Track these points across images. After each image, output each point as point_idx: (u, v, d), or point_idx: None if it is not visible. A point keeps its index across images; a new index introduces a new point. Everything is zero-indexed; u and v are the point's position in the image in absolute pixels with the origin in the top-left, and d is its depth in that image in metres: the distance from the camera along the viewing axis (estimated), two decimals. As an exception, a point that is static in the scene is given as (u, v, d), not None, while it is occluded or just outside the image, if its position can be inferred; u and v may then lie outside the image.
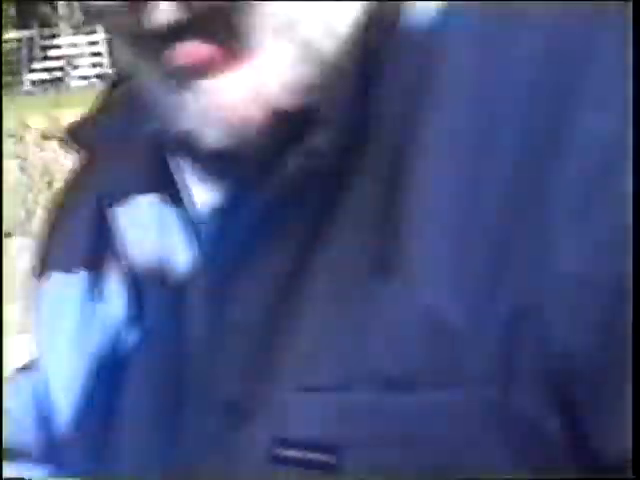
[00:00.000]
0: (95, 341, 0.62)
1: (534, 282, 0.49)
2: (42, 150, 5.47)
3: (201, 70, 0.53)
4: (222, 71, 0.54)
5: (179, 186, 0.60)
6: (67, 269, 0.65)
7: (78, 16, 14.83)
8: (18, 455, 0.65)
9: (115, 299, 0.62)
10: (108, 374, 0.61)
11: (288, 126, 0.54)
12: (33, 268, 0.68)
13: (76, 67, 15.23)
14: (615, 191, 0.49)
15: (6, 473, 0.55)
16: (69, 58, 15.35)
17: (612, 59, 0.51)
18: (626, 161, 0.49)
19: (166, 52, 0.54)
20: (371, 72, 0.54)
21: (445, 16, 0.55)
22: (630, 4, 0.52)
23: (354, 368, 0.52)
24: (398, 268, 0.51)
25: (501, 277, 0.50)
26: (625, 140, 0.49)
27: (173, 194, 0.60)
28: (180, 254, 0.59)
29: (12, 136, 5.56)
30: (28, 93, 14.04)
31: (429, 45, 0.54)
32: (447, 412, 0.50)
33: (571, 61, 0.51)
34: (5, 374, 0.54)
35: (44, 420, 0.66)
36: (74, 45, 15.52)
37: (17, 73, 15.05)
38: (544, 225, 0.50)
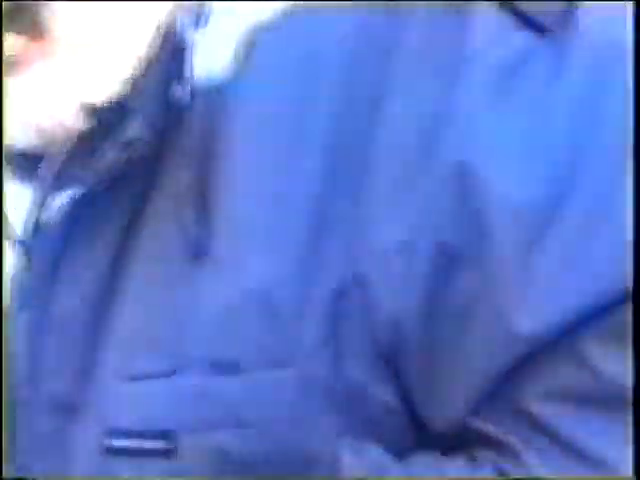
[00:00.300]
0: None
1: (357, 255, 0.50)
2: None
3: (6, 67, 0.52)
4: (27, 68, 0.53)
5: None
6: None
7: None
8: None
9: None
10: None
11: (99, 120, 0.54)
12: None
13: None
14: (433, 164, 0.49)
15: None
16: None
17: (418, 43, 0.51)
18: (440, 131, 0.50)
19: None
20: (177, 61, 0.54)
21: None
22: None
23: (180, 353, 0.52)
24: (218, 251, 0.52)
25: (323, 253, 0.51)
26: (440, 111, 0.50)
27: None
28: None
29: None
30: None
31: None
32: (279, 391, 0.51)
33: (379, 47, 0.52)
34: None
35: None
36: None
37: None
38: (363, 198, 0.50)
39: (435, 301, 0.50)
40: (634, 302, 0.48)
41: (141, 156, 0.53)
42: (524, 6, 0.51)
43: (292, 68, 0.53)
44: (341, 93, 0.52)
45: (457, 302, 0.49)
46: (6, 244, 0.56)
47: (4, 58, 0.52)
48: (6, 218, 0.55)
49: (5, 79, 0.52)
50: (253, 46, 0.53)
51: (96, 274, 0.54)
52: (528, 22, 0.50)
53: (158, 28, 0.54)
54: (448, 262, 0.49)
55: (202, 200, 0.52)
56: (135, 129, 0.53)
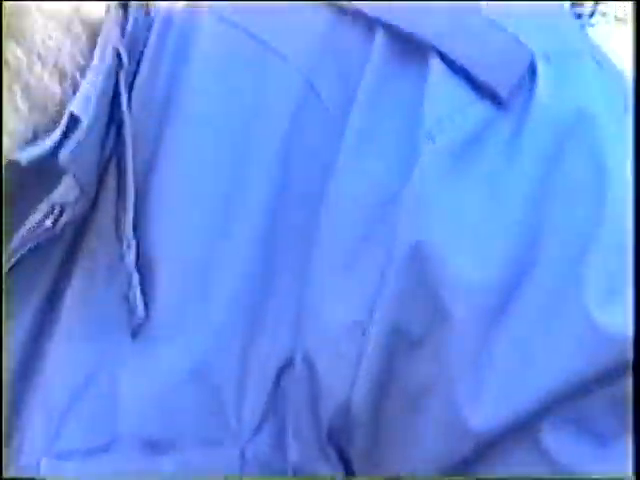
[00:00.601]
0: None
1: (304, 333, 0.48)
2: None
3: None
4: None
5: None
6: None
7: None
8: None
9: None
10: None
11: (26, 181, 0.50)
12: None
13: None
14: (386, 243, 0.47)
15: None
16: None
17: (370, 108, 0.49)
18: (393, 208, 0.47)
19: None
20: (107, 111, 0.51)
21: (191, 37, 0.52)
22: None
23: (110, 430, 0.49)
24: (155, 320, 0.50)
25: (265, 328, 0.49)
26: (393, 187, 0.48)
27: None
28: None
29: None
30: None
31: (174, 72, 0.52)
32: (215, 470, 0.49)
33: (332, 103, 0.49)
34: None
35: None
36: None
37: None
38: (310, 274, 0.48)
39: (387, 386, 0.48)
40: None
41: (72, 219, 0.50)
42: (481, 75, 0.49)
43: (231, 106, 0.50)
44: (284, 154, 0.49)
45: (410, 388, 0.48)
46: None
47: None
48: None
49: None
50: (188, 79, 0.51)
51: (23, 342, 0.52)
52: (485, 91, 0.49)
53: (84, 74, 0.50)
54: (402, 346, 0.47)
55: (139, 263, 0.50)
56: (67, 191, 0.49)
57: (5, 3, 0.49)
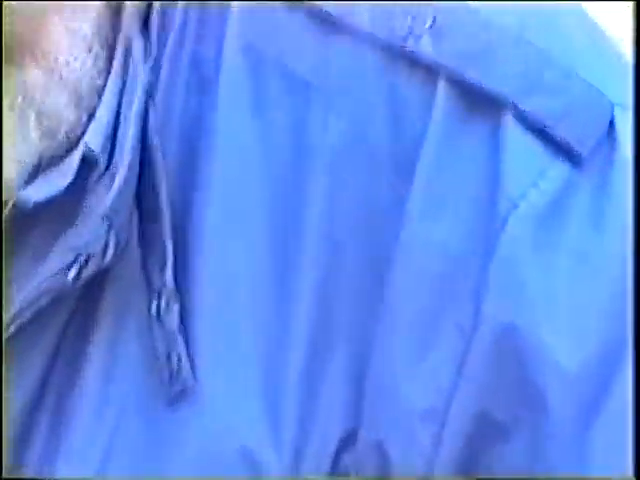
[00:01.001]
0: None
1: (371, 415, 0.45)
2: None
3: None
4: None
5: None
6: None
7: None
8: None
9: None
10: None
11: (37, 218, 0.46)
12: None
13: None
14: (467, 320, 0.44)
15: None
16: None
17: (445, 157, 0.45)
18: (469, 281, 0.44)
19: None
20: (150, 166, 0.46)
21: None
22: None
23: None
24: (199, 385, 0.46)
25: (320, 406, 0.45)
26: (467, 256, 0.44)
27: None
28: None
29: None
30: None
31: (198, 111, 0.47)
32: None
33: (384, 154, 0.45)
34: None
35: None
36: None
37: None
38: (375, 348, 0.45)
39: (470, 475, 0.45)
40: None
41: (99, 270, 0.45)
42: (561, 132, 0.45)
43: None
44: (329, 206, 0.46)
45: (497, 472, 0.45)
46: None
47: None
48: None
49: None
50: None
51: (36, 396, 0.47)
52: (564, 150, 0.45)
53: (105, 101, 0.46)
54: (486, 433, 0.44)
55: (181, 323, 0.46)
56: (95, 238, 0.44)
57: (29, 18, 0.45)
